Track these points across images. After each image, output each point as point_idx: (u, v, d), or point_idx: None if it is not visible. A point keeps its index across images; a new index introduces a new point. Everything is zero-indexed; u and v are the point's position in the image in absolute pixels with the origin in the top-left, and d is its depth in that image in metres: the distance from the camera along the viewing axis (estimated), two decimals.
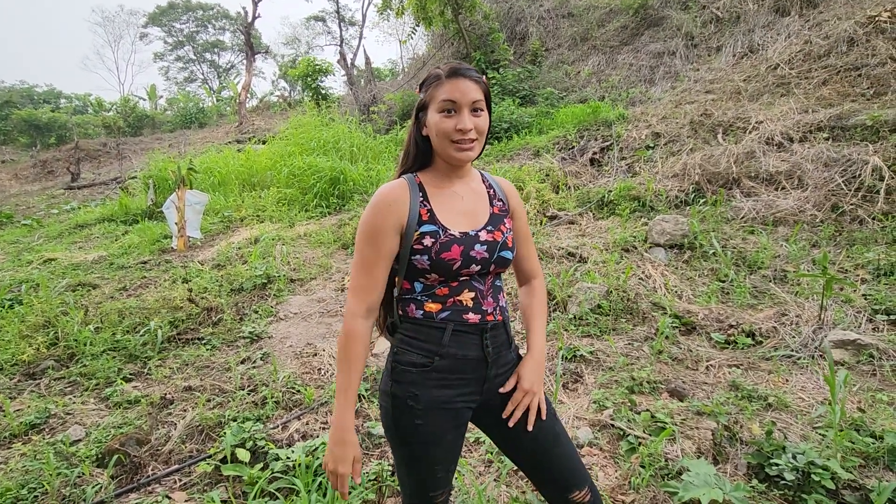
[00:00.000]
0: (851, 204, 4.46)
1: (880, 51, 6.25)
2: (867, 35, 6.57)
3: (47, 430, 2.74)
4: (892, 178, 4.44)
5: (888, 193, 4.37)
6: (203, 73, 35.63)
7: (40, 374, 3.39)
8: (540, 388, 1.28)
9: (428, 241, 1.17)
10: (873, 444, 2.09)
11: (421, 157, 1.27)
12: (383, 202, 1.18)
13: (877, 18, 6.72)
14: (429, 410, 1.19)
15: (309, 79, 13.30)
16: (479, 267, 1.20)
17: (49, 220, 10.24)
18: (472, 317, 1.22)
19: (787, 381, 2.70)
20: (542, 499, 1.97)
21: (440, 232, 1.18)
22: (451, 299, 1.21)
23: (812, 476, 1.91)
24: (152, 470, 2.36)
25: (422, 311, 1.21)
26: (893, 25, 6.47)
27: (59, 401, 2.98)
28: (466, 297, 1.22)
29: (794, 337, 3.05)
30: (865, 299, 3.35)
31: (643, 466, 2.11)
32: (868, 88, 5.93)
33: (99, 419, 2.80)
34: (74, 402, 2.99)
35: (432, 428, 1.20)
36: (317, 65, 13.28)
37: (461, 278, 1.21)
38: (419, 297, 1.22)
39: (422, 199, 1.21)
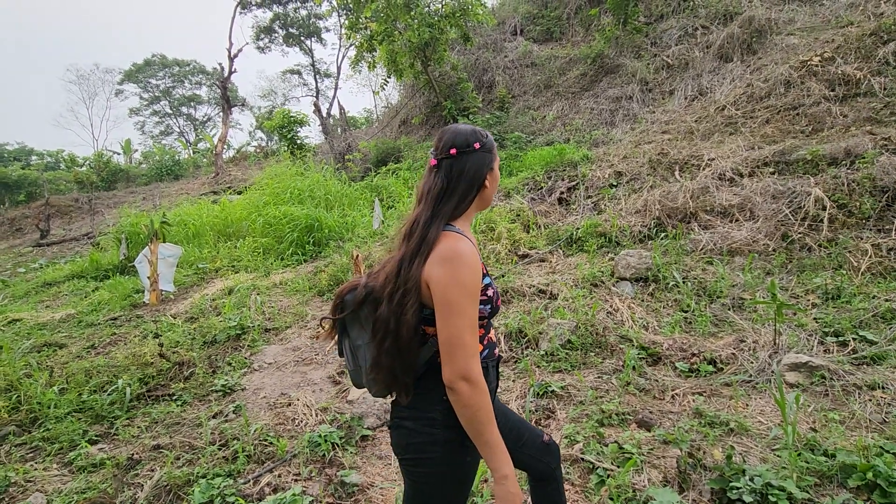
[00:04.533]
0: (799, 233, 4.74)
1: (814, 91, 6.80)
2: (801, 78, 7.16)
3: (7, 500, 2.64)
4: (833, 207, 4.76)
5: (831, 222, 4.67)
6: (179, 127, 35.99)
7: (0, 441, 3.26)
8: None
9: (490, 292, 1.30)
10: (826, 462, 2.18)
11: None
12: (475, 260, 1.21)
13: (809, 62, 7.35)
14: (476, 456, 1.29)
15: (284, 130, 13.61)
16: None
17: (15, 280, 9.98)
18: (497, 350, 1.42)
19: (746, 405, 2.81)
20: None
21: (492, 282, 1.32)
22: (487, 338, 1.36)
23: (769, 497, 1.98)
24: None
25: None
26: (824, 69, 7.07)
27: (20, 468, 2.88)
28: (492, 334, 1.40)
29: (751, 362, 3.18)
30: (816, 322, 3.53)
31: (612, 499, 2.15)
32: (806, 126, 6.41)
33: (62, 485, 2.71)
34: (36, 469, 2.89)
35: (477, 458, 1.31)
36: (291, 116, 13.62)
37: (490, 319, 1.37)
38: None
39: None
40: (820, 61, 7.27)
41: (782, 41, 8.58)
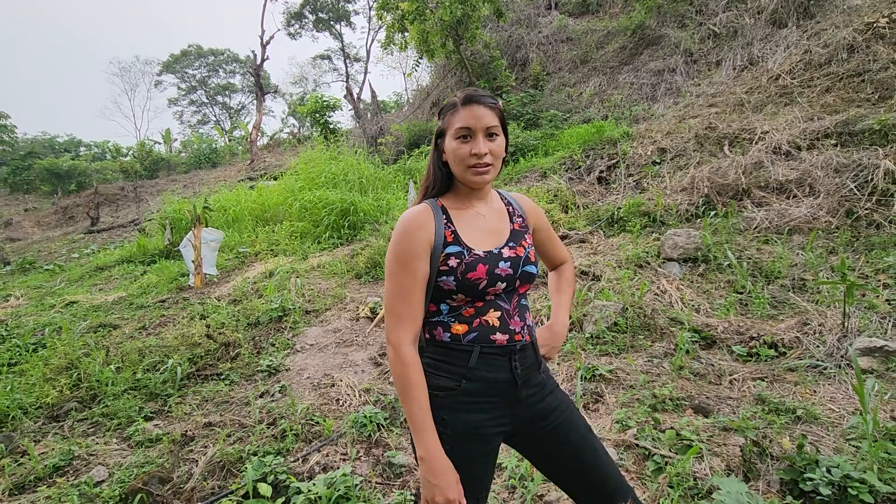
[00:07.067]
0: (866, 209, 4.41)
1: (881, 56, 6.26)
2: (867, 41, 6.61)
3: (71, 472, 2.76)
4: None
5: None
6: (215, 115, 36.82)
7: (64, 416, 3.43)
8: (554, 355, 1.41)
9: (453, 262, 1.19)
10: None
11: (444, 182, 1.30)
12: (412, 226, 1.20)
13: (875, 24, 6.76)
14: (457, 436, 1.19)
15: (317, 115, 13.68)
16: (505, 284, 1.23)
17: (70, 264, 10.51)
18: (500, 337, 1.22)
19: (814, 392, 2.63)
20: None
21: (465, 252, 1.20)
22: (478, 319, 1.22)
23: (849, 490, 1.84)
24: None
25: (449, 334, 1.22)
26: (893, 31, 6.49)
27: (83, 442, 3.01)
28: (492, 316, 1.22)
29: (818, 346, 2.98)
30: (889, 304, 3.27)
31: (671, 486, 2.05)
32: (873, 93, 5.93)
33: (121, 459, 2.82)
34: (97, 443, 3.01)
35: (460, 454, 1.18)
36: (324, 101, 13.66)
37: (487, 297, 1.22)
38: (445, 319, 1.23)
39: (446, 221, 1.24)
40: (888, 23, 6.67)
41: (843, 3, 7.94)
